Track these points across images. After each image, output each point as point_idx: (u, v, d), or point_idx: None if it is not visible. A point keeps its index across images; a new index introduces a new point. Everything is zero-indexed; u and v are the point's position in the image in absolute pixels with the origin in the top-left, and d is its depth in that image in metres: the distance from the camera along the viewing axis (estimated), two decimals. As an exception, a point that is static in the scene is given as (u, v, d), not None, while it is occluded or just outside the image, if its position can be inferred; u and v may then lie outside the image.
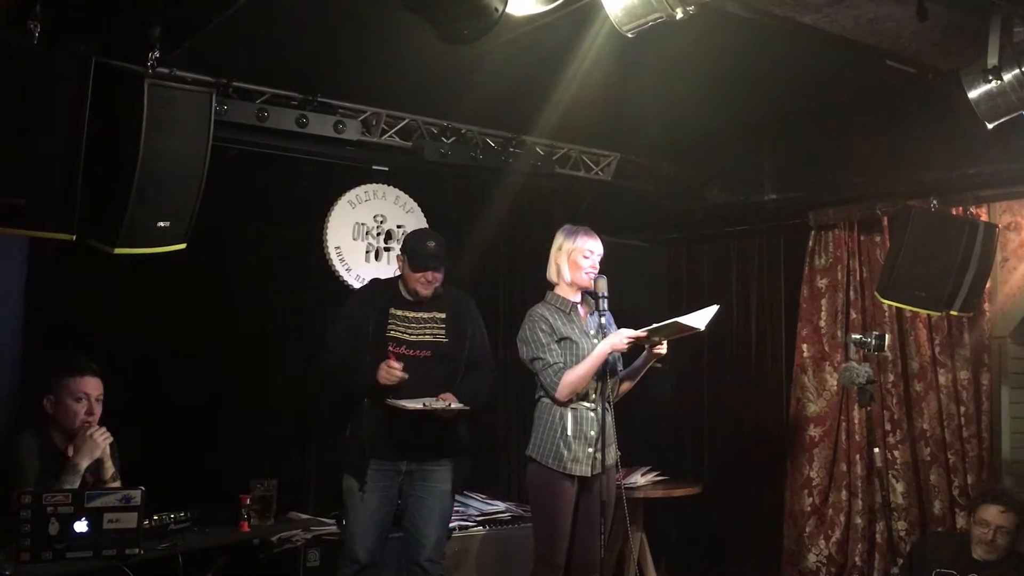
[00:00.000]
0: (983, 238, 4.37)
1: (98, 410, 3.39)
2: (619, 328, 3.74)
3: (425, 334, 3.90)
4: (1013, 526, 3.63)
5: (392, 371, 3.69)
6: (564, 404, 3.69)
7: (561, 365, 3.67)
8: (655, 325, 3.58)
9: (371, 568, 3.79)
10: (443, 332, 3.92)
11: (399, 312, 3.88)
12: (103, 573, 3.00)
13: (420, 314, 3.90)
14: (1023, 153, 4.07)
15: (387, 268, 4.86)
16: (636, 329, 3.64)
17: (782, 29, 3.39)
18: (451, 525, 4.44)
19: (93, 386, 3.39)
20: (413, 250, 3.88)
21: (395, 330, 3.85)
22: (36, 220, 2.89)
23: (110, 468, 3.36)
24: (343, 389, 3.92)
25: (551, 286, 3.86)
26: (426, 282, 3.85)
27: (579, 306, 3.83)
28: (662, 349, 3.69)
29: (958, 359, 4.67)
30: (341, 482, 3.85)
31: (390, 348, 3.81)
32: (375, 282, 4.21)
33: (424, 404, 3.69)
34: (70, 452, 3.30)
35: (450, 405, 3.75)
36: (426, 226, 5.03)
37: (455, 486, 3.98)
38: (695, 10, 2.77)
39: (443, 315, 3.94)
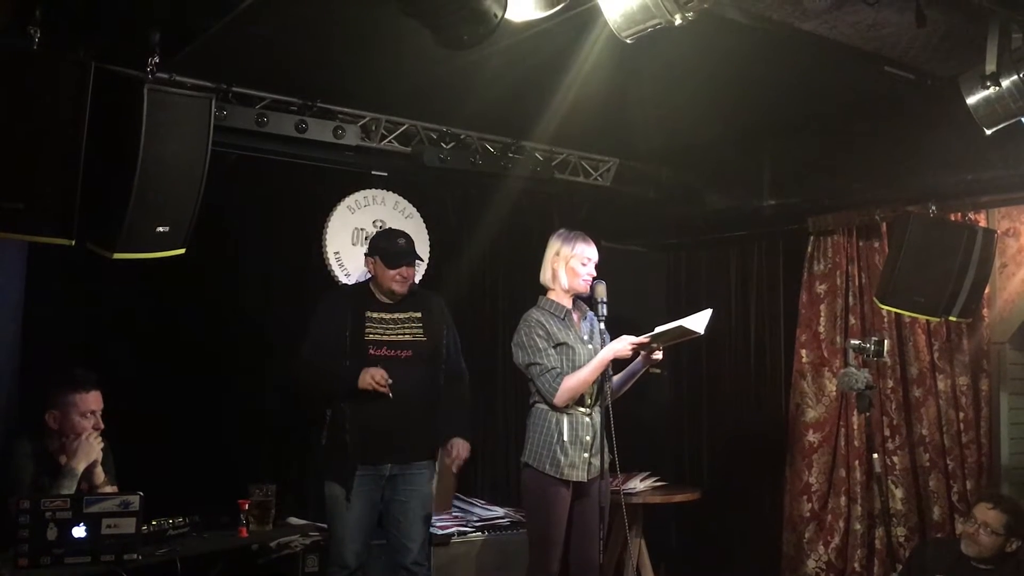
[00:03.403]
0: (982, 244, 4.37)
1: (101, 424, 3.40)
2: (610, 334, 3.75)
3: (404, 334, 3.91)
4: (999, 526, 3.66)
5: (375, 379, 3.70)
6: (560, 409, 3.68)
7: (559, 370, 3.67)
8: (658, 330, 3.58)
9: (359, 572, 3.83)
10: (421, 331, 3.94)
11: (375, 315, 3.89)
12: (101, 578, 3.00)
13: (396, 315, 3.91)
14: (1021, 159, 4.07)
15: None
16: (636, 334, 3.64)
17: (781, 35, 3.39)
18: (451, 531, 4.45)
19: (97, 400, 3.40)
20: (384, 249, 3.90)
21: (373, 333, 3.85)
22: (35, 225, 2.89)
23: (101, 474, 3.35)
24: (322, 396, 3.90)
25: (544, 291, 3.86)
26: (401, 279, 3.88)
27: (572, 311, 3.83)
28: (659, 355, 3.69)
29: (957, 365, 4.67)
30: (323, 489, 3.86)
31: (371, 351, 3.82)
32: (343, 288, 4.20)
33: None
34: (63, 460, 3.29)
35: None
36: (425, 231, 5.05)
37: (431, 487, 4.02)
38: (694, 16, 2.77)
39: (419, 314, 3.97)
